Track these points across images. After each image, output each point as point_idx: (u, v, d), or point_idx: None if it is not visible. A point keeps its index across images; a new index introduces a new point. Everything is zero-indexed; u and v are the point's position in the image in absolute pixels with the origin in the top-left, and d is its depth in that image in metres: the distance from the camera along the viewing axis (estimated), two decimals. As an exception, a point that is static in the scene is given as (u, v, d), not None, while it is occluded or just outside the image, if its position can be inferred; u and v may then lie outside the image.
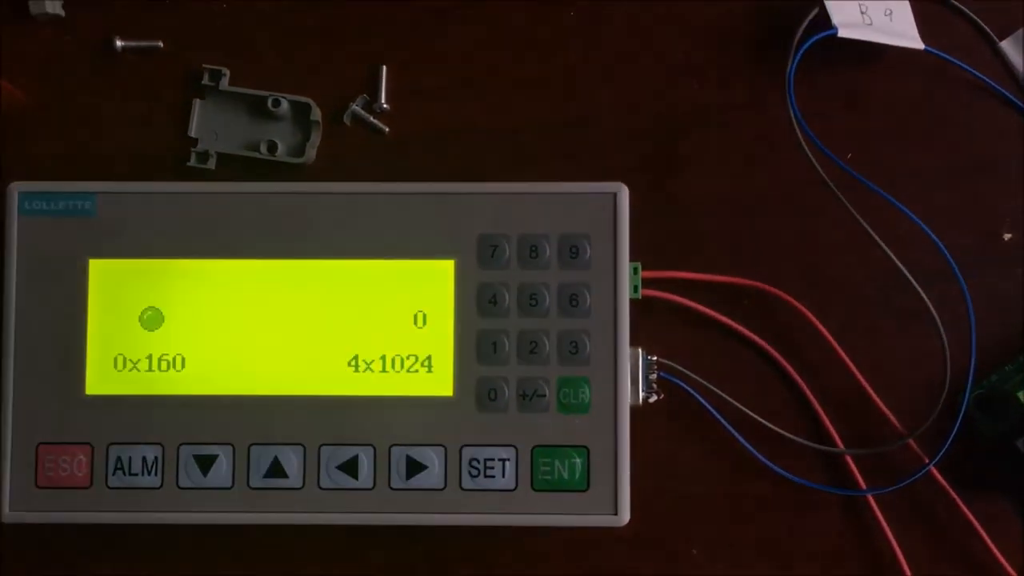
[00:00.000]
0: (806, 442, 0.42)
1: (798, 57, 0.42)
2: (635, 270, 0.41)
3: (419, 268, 0.40)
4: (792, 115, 0.41)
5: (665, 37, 0.45)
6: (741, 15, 0.46)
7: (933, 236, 0.40)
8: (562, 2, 0.45)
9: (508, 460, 0.39)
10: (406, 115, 0.45)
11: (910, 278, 0.40)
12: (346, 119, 0.45)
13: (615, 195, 0.41)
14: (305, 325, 0.40)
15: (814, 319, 0.43)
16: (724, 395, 0.42)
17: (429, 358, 0.40)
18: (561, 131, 0.45)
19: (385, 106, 0.45)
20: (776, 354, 0.44)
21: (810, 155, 0.41)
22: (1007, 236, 0.45)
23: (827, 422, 0.43)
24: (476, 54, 0.45)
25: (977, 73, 0.45)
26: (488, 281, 0.40)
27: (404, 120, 0.45)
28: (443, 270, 0.40)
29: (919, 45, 0.44)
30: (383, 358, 0.40)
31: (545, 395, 0.39)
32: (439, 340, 0.40)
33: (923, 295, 0.40)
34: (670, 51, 0.45)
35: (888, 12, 0.44)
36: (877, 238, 0.40)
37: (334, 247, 0.40)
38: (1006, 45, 0.45)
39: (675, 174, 0.45)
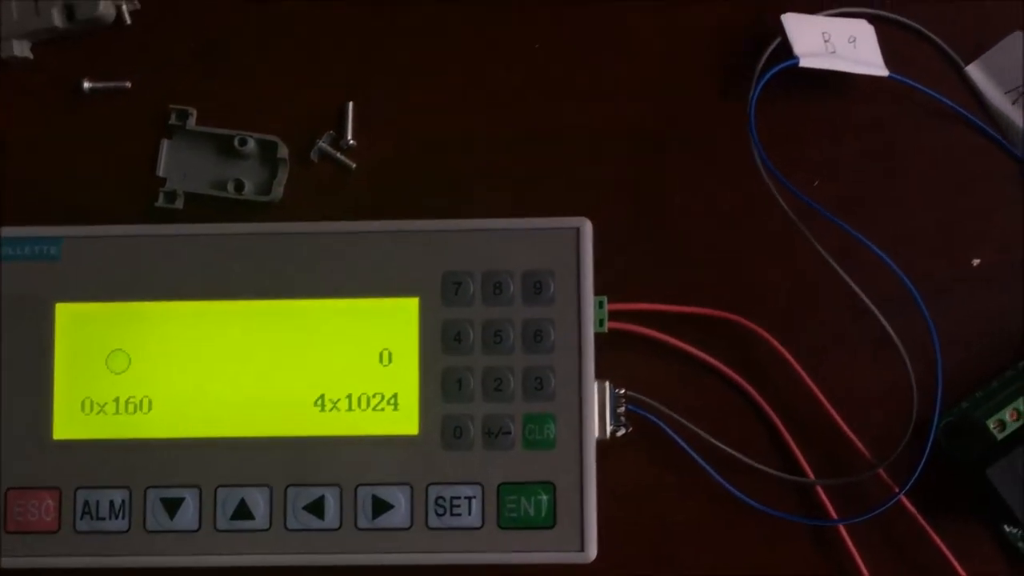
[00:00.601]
0: (777, 473, 0.42)
1: (759, 88, 0.42)
2: (600, 304, 0.41)
3: (384, 306, 0.40)
4: (753, 145, 0.41)
5: (634, 66, 0.46)
6: (710, 42, 0.46)
7: (892, 264, 0.40)
8: (527, 36, 0.46)
9: (474, 498, 0.39)
10: (374, 150, 0.45)
11: (872, 307, 0.40)
12: (313, 156, 0.45)
13: (578, 230, 0.41)
14: (271, 365, 0.40)
15: (783, 349, 0.43)
16: (693, 427, 0.42)
17: (395, 396, 0.40)
18: (530, 161, 0.45)
19: (352, 142, 0.45)
20: (746, 384, 0.43)
21: (771, 186, 0.41)
22: (976, 261, 0.44)
23: (797, 453, 0.43)
24: (441, 86, 0.45)
25: (943, 99, 0.44)
26: (452, 318, 0.40)
27: (372, 155, 0.45)
28: (407, 308, 0.40)
29: (883, 72, 0.44)
30: (349, 397, 0.40)
31: (511, 432, 0.39)
32: (404, 378, 0.40)
33: (886, 324, 0.40)
34: (638, 80, 0.45)
35: (852, 39, 0.44)
36: (838, 268, 0.40)
37: (299, 287, 0.40)
38: (972, 70, 0.45)
39: (644, 204, 0.45)
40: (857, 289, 0.40)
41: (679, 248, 0.44)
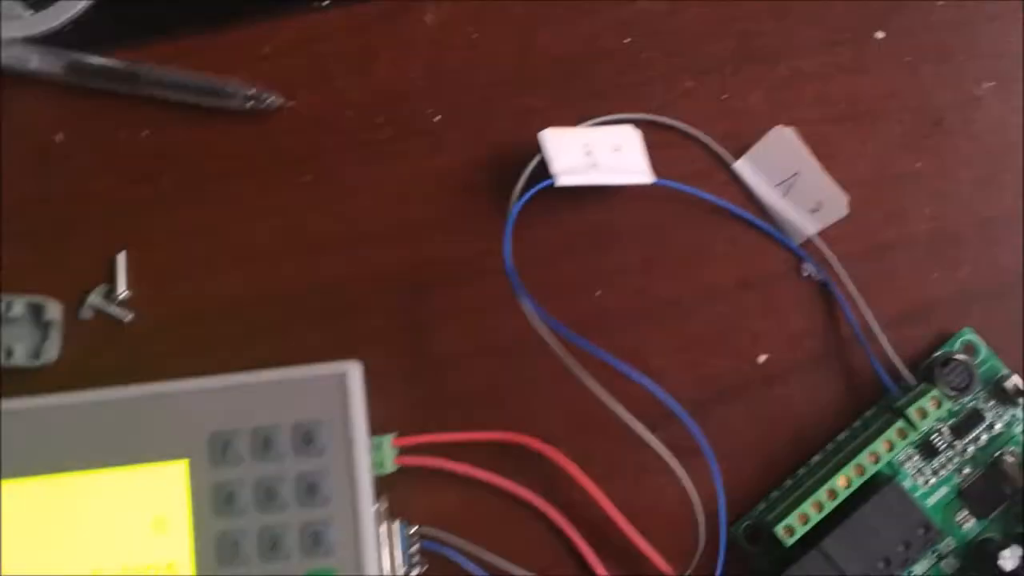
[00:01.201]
0: (580, 595, 0.42)
1: (516, 212, 0.41)
2: (379, 445, 0.40)
3: (154, 473, 0.39)
4: (506, 271, 0.40)
5: (392, 210, 0.45)
6: (471, 172, 0.45)
7: (651, 385, 0.40)
8: (282, 193, 0.45)
9: (256, 665, 0.38)
10: (149, 302, 0.44)
11: (640, 430, 0.40)
12: (85, 313, 0.44)
13: (344, 375, 0.40)
14: (41, 544, 0.39)
15: (574, 468, 0.42)
16: (492, 555, 0.41)
17: (171, 565, 0.39)
18: (306, 300, 0.44)
19: (125, 294, 0.44)
20: (544, 506, 0.43)
21: (526, 315, 0.40)
22: (762, 358, 0.44)
23: (601, 571, 0.42)
24: (207, 244, 0.45)
25: (713, 198, 0.44)
26: (223, 479, 0.39)
27: (147, 307, 0.44)
28: (177, 472, 0.39)
29: (649, 179, 0.44)
30: (123, 570, 0.39)
31: (291, 592, 0.38)
32: (179, 546, 0.39)
33: (654, 443, 0.40)
34: (397, 223, 0.45)
35: (617, 148, 0.44)
36: (602, 393, 0.40)
37: (66, 460, 0.39)
38: (740, 166, 0.45)
39: (424, 334, 0.44)
40: (624, 412, 0.40)
41: (457, 380, 0.44)
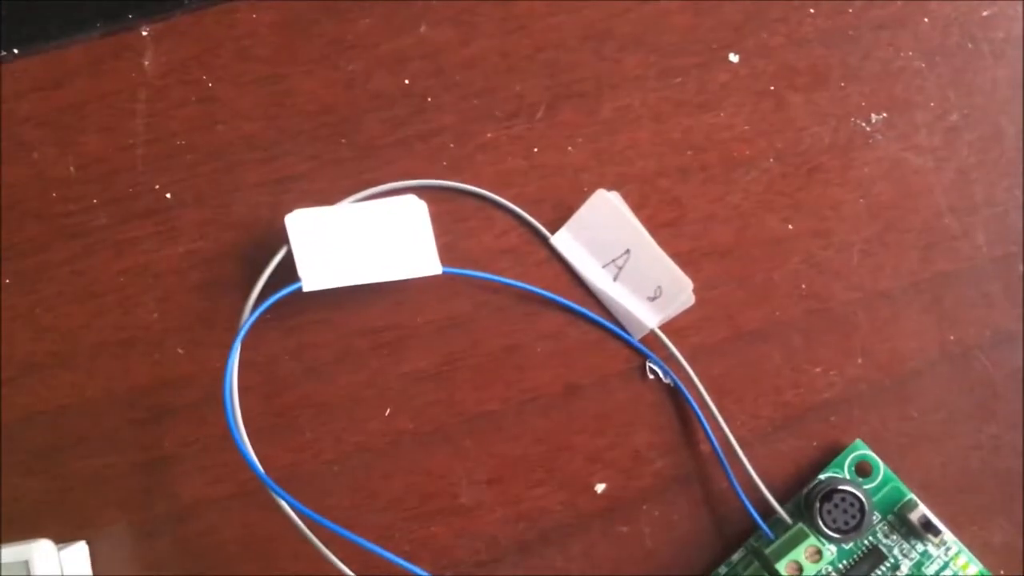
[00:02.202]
0: None
1: (248, 324, 0.31)
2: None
3: None
4: (227, 422, 0.30)
5: (135, 295, 0.35)
6: (223, 253, 0.35)
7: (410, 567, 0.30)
8: None
9: None
10: None
11: None
12: None
13: (26, 562, 0.30)
14: None
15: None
16: None
17: None
18: (17, 435, 0.34)
19: None
20: None
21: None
22: (600, 487, 0.34)
23: None
24: None
25: (526, 286, 0.34)
26: None
27: None
28: None
29: (436, 269, 0.33)
30: None
31: None
32: None
33: None
34: (139, 313, 0.35)
35: (393, 229, 0.33)
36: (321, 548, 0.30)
37: None
38: (559, 240, 0.35)
39: (164, 475, 0.34)
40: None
41: (206, 541, 0.34)
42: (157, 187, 0.35)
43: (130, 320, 0.35)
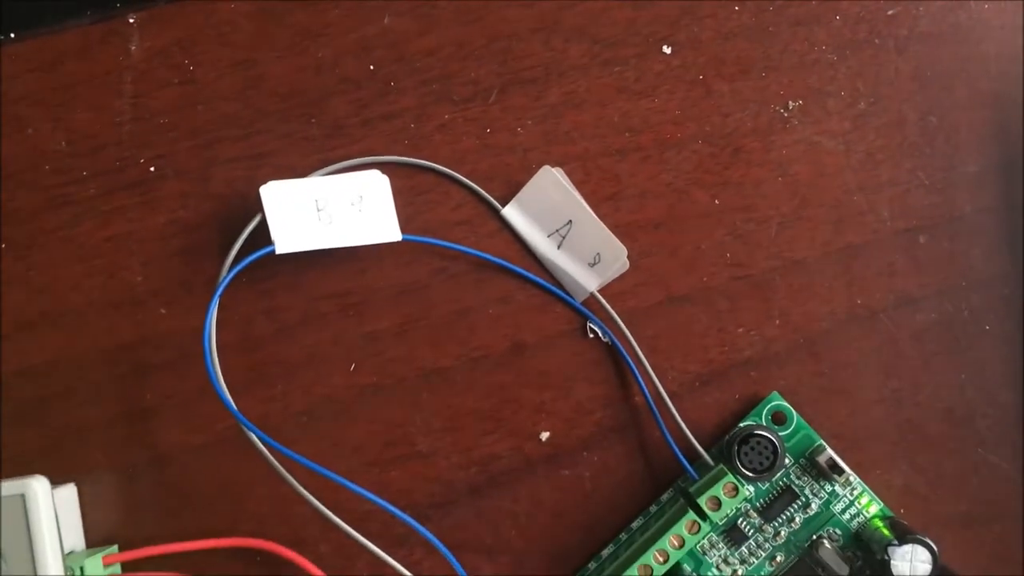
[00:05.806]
0: None
1: (224, 284, 0.35)
2: (79, 568, 0.34)
3: None
4: (206, 366, 0.33)
5: (122, 260, 0.38)
6: (202, 223, 0.38)
7: (373, 497, 0.33)
8: None
9: None
10: None
11: (362, 541, 0.33)
12: None
13: (23, 495, 0.33)
14: None
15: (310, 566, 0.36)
16: None
17: None
18: (9, 388, 0.37)
19: None
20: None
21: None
22: (545, 435, 0.38)
23: None
24: None
25: (479, 253, 0.38)
26: None
27: None
28: None
29: (396, 236, 0.37)
30: None
31: None
32: None
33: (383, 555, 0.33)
34: (125, 276, 0.38)
35: (358, 200, 0.37)
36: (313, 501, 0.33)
37: None
38: (509, 212, 0.38)
39: (146, 425, 0.37)
40: (344, 526, 0.33)
41: (186, 478, 0.37)
42: (142, 161, 0.38)
43: (116, 283, 0.38)
